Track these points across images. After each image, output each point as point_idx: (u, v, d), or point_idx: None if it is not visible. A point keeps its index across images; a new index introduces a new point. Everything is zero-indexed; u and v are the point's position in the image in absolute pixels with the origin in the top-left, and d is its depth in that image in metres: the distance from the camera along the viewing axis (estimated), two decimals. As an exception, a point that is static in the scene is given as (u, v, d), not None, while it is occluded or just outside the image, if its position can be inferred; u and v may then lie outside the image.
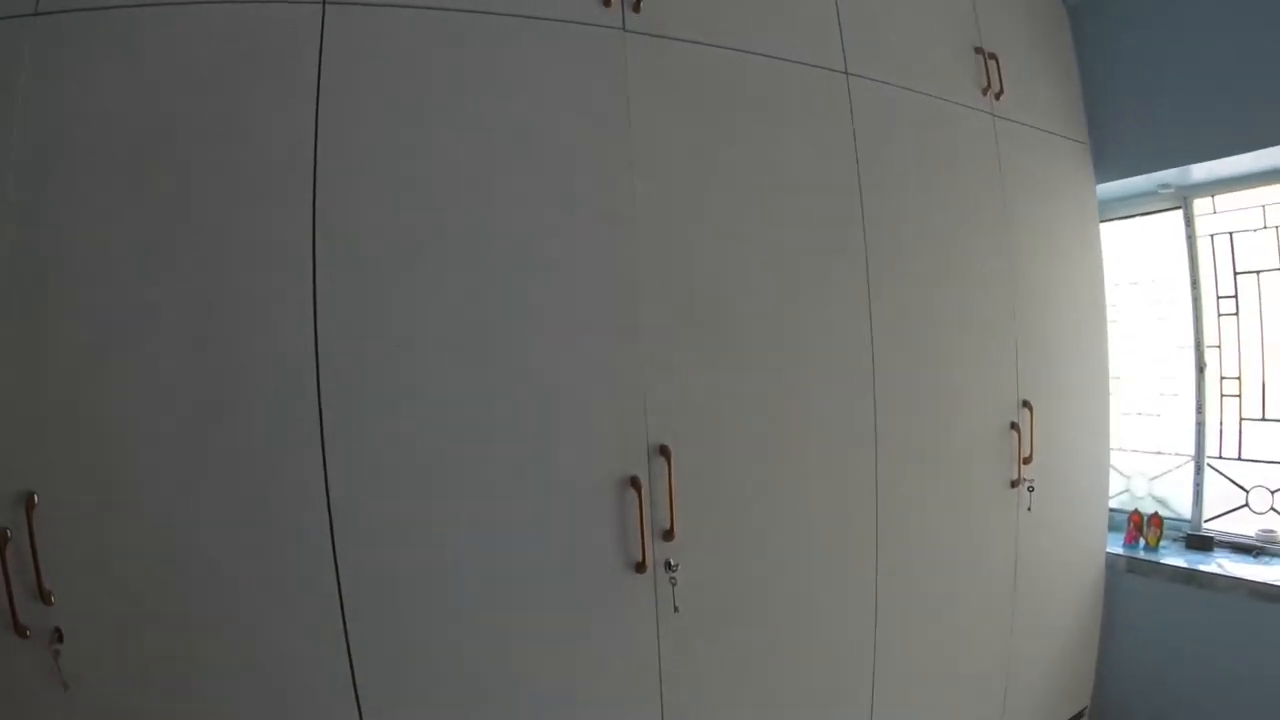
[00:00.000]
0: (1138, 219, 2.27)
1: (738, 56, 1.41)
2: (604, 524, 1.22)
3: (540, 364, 1.21)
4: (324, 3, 1.13)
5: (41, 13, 1.04)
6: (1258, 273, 2.02)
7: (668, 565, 1.26)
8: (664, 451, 1.25)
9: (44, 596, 1.03)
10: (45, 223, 1.02)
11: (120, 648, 1.05)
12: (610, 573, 1.23)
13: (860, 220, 1.53)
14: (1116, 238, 2.28)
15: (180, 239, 1.06)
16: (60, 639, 1.04)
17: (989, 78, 1.81)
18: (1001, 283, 1.79)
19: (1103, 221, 2.15)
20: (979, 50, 1.81)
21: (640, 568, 1.24)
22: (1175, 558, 1.98)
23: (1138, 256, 2.29)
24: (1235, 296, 2.06)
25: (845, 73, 1.54)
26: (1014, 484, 1.75)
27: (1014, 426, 1.75)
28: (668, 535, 1.26)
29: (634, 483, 1.23)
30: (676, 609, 1.27)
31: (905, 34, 1.69)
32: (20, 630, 1.02)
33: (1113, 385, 2.14)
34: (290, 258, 1.09)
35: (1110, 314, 2.16)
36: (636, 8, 1.30)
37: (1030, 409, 1.77)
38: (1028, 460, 1.75)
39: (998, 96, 1.83)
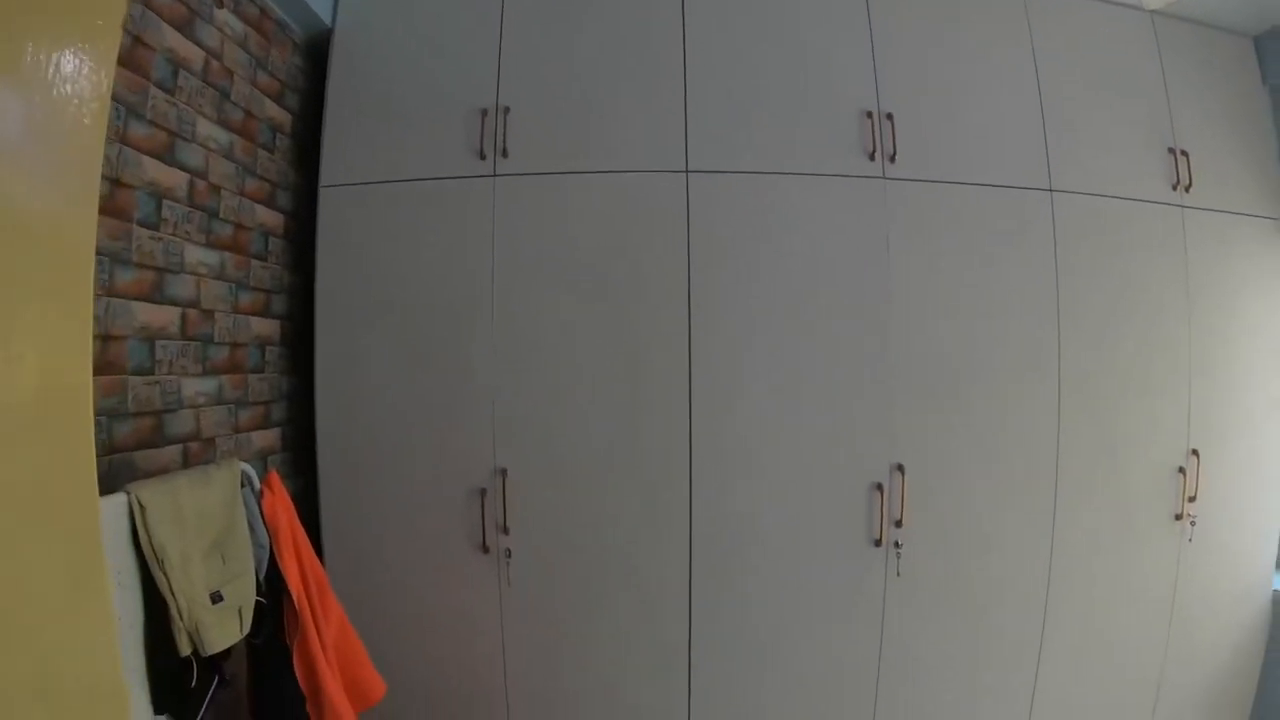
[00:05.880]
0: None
1: (967, 188, 1.94)
2: (858, 512, 1.85)
3: (826, 408, 1.87)
4: (687, 172, 1.83)
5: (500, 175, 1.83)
6: None
7: (895, 544, 1.85)
8: (900, 468, 1.85)
9: (504, 529, 1.81)
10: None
11: (542, 566, 1.83)
12: (858, 545, 1.85)
13: (1055, 301, 1.99)
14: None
15: (609, 328, 1.83)
16: (509, 555, 1.83)
17: (1178, 173, 2.14)
18: (1180, 346, 2.11)
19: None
20: (1171, 150, 2.15)
21: (878, 544, 1.85)
22: (1337, 602, 2.20)
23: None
24: None
25: (1050, 190, 2.00)
26: (1178, 518, 2.11)
27: (1181, 470, 2.11)
28: (898, 523, 1.85)
29: (879, 487, 1.84)
30: (899, 574, 1.86)
31: (1102, 144, 2.08)
32: (485, 548, 1.82)
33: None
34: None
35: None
36: (893, 159, 1.88)
37: (1198, 456, 2.11)
38: (1193, 499, 2.10)
39: (1187, 189, 2.15)
